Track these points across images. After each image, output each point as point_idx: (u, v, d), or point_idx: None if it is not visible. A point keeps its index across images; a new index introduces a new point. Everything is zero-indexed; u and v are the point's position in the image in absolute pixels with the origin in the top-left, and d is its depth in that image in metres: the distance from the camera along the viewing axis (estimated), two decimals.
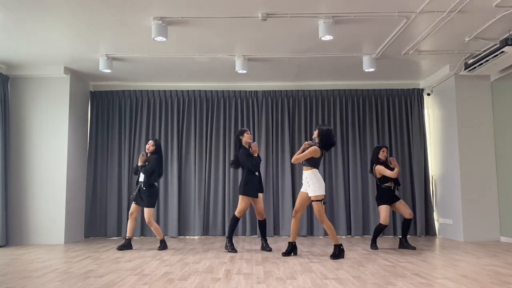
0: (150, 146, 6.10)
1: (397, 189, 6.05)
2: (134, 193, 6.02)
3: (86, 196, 7.59)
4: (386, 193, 5.90)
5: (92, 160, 7.72)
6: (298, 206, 5.32)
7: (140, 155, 6.08)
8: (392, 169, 5.86)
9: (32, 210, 6.77)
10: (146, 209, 5.92)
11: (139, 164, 6.02)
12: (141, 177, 6.01)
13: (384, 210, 5.80)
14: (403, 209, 5.88)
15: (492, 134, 6.86)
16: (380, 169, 5.88)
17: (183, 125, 7.88)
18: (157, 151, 6.11)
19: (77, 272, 4.28)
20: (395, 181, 5.94)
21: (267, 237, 5.95)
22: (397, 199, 5.93)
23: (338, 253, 5.10)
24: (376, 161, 6.00)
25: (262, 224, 5.81)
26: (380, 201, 5.91)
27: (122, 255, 5.49)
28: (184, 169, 7.77)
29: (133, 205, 6.03)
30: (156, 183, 6.10)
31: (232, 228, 5.69)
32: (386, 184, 5.91)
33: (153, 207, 6.00)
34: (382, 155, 5.97)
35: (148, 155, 6.11)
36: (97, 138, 7.81)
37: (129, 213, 6.05)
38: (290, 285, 3.65)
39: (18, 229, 6.72)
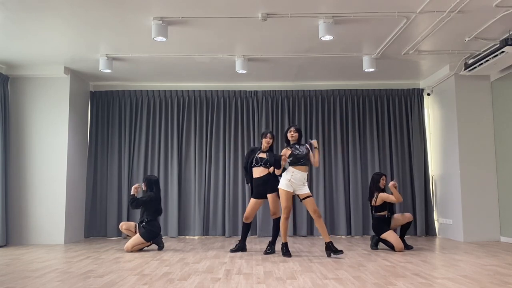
0: (143, 186, 6.06)
1: (391, 218, 5.88)
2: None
3: (86, 196, 7.59)
4: (382, 221, 5.81)
5: (92, 160, 7.72)
6: (291, 207, 5.27)
7: (135, 186, 5.92)
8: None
9: (32, 210, 6.77)
10: (137, 237, 5.79)
11: (132, 193, 5.88)
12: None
13: (392, 236, 5.66)
14: (402, 220, 5.84)
15: (492, 134, 6.86)
16: (383, 196, 5.76)
17: (183, 125, 7.88)
18: (151, 188, 5.98)
19: (77, 272, 4.28)
20: (390, 208, 5.86)
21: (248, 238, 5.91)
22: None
23: (335, 248, 5.17)
24: (378, 188, 5.87)
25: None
26: (380, 230, 5.77)
27: (122, 255, 5.49)
28: (184, 169, 7.77)
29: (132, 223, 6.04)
30: (157, 220, 5.99)
31: (278, 232, 5.65)
32: (381, 213, 5.81)
33: (147, 241, 5.82)
34: (382, 183, 5.88)
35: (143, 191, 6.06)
36: (97, 138, 7.81)
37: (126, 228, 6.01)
38: (290, 285, 3.65)
39: (18, 229, 6.73)
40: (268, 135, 5.69)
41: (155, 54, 6.33)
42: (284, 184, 5.23)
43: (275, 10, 4.90)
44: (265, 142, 5.68)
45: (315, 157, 5.33)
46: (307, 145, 5.39)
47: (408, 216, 5.86)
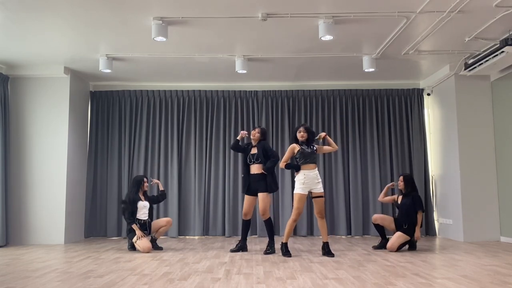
0: (146, 185, 6.17)
1: (404, 226, 5.75)
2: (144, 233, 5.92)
3: (86, 196, 7.59)
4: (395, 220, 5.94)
5: (92, 160, 7.71)
6: (302, 209, 5.31)
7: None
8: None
9: (32, 210, 6.77)
10: (147, 239, 5.87)
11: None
12: (143, 215, 5.99)
13: (393, 237, 5.74)
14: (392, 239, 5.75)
15: (492, 134, 6.86)
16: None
17: (183, 125, 7.88)
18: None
19: (77, 272, 4.28)
20: (397, 209, 5.95)
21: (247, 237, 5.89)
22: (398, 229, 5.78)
23: (328, 250, 5.26)
24: (397, 190, 6.10)
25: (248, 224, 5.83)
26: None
27: (122, 255, 5.49)
28: (184, 169, 7.77)
29: (145, 239, 5.85)
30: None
31: (273, 231, 5.70)
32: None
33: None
34: (399, 184, 5.92)
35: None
36: (97, 138, 7.81)
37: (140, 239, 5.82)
38: (290, 285, 3.65)
39: (18, 229, 6.72)
40: (256, 129, 5.70)
41: (155, 54, 6.32)
42: (299, 188, 5.23)
43: (275, 10, 4.90)
44: (252, 135, 5.71)
45: (330, 145, 5.48)
46: (315, 145, 5.42)
47: (389, 245, 5.67)
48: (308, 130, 5.36)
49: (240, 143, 5.77)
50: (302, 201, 5.22)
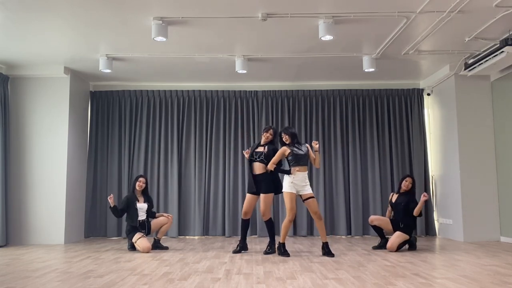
0: (141, 183, 6.09)
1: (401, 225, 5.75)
2: (142, 232, 5.92)
3: (86, 196, 7.59)
4: (391, 221, 5.90)
5: (92, 160, 7.72)
6: (296, 209, 5.31)
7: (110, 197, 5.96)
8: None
9: (32, 210, 6.77)
10: (147, 239, 5.87)
11: (113, 205, 5.89)
12: (140, 216, 5.96)
13: (393, 236, 5.72)
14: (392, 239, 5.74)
15: (492, 134, 6.86)
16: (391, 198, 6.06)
17: (183, 125, 7.89)
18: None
19: (77, 272, 4.29)
20: (394, 208, 5.89)
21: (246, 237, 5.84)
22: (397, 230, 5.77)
23: (328, 250, 5.25)
24: (397, 189, 5.97)
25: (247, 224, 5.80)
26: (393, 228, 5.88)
27: (122, 255, 5.49)
28: (184, 169, 7.77)
29: (144, 240, 5.84)
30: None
31: (274, 231, 5.68)
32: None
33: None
34: (404, 184, 5.84)
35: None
36: (97, 138, 7.81)
37: (139, 239, 5.80)
38: (290, 285, 3.65)
39: (18, 229, 6.72)
40: (270, 130, 5.66)
41: (155, 54, 6.33)
42: (287, 186, 5.23)
43: (275, 10, 4.90)
44: (264, 137, 5.66)
45: (316, 159, 5.38)
46: (307, 145, 5.42)
47: (389, 245, 5.65)
48: (290, 134, 5.32)
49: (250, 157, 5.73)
50: (293, 200, 5.21)
